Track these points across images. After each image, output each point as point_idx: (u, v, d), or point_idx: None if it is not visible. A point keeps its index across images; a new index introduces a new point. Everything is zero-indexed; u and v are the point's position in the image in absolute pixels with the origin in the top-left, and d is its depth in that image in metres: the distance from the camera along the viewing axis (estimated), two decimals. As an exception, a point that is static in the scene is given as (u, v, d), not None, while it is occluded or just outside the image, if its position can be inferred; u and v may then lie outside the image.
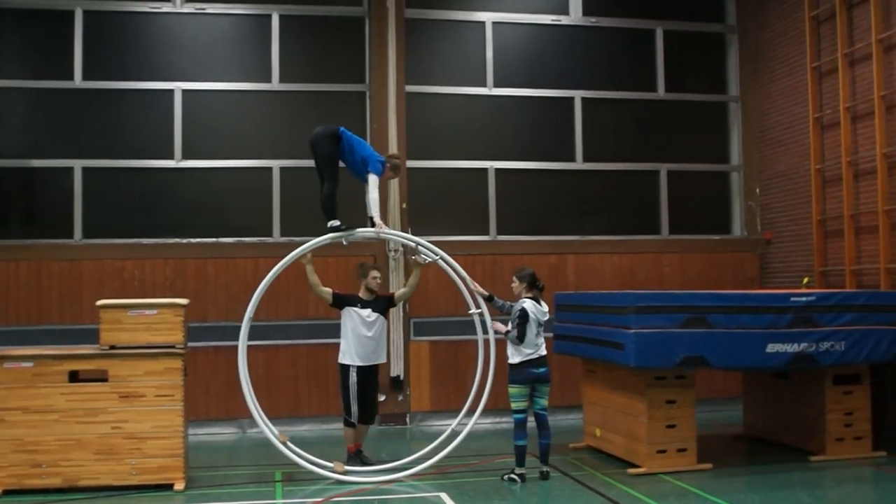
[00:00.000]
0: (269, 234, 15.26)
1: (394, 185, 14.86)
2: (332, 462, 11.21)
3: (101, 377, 10.58)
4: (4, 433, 10.39)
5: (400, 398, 15.08)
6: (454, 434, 11.45)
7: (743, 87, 17.07)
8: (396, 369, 14.97)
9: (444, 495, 10.16)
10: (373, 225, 11.24)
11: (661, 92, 16.85)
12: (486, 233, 15.96)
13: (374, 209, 11.14)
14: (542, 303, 11.03)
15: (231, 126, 15.53)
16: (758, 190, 16.81)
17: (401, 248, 14.97)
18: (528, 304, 10.84)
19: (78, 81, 14.95)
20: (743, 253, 16.72)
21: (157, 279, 14.63)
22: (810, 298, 11.48)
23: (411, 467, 11.21)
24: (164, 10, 15.31)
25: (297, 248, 11.22)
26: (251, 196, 15.39)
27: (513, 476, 10.75)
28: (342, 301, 11.70)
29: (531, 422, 10.83)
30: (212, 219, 15.18)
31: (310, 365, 14.93)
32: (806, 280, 14.89)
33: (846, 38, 14.31)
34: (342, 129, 11.27)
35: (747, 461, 12.06)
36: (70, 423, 10.44)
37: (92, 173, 14.91)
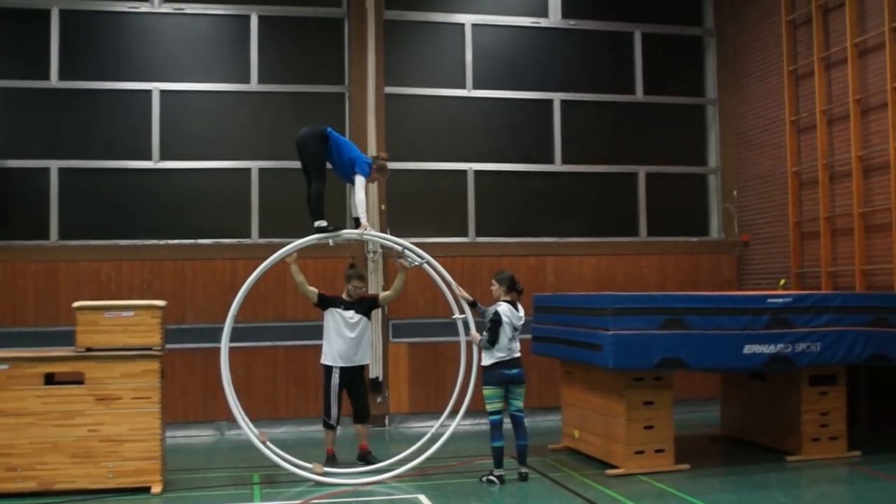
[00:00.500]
0: (248, 236, 15.22)
1: (373, 186, 14.84)
2: (311, 463, 11.20)
3: (78, 380, 10.50)
4: (-21, 436, 10.33)
5: (379, 400, 15.06)
6: (435, 436, 11.46)
7: (720, 90, 17.15)
8: (375, 371, 14.95)
9: (422, 497, 10.14)
10: (358, 226, 11.23)
11: (639, 94, 16.91)
12: (465, 234, 15.97)
13: (360, 210, 11.12)
14: (520, 306, 11.04)
15: (209, 127, 15.48)
16: (735, 192, 16.89)
17: (380, 250, 14.96)
18: (502, 307, 10.85)
19: (54, 81, 14.86)
20: (720, 255, 16.79)
21: (134, 281, 14.56)
22: (787, 300, 11.55)
23: (392, 469, 11.20)
24: (142, 9, 15.24)
25: (275, 249, 11.20)
26: (229, 197, 15.34)
27: (491, 478, 10.75)
28: (326, 302, 11.74)
29: (508, 423, 10.85)
30: (190, 220, 15.12)
31: (289, 367, 14.90)
32: (782, 282, 14.97)
33: (822, 42, 14.40)
34: (329, 129, 11.26)
35: (725, 462, 12.11)
36: (46, 426, 10.35)
37: (68, 174, 14.83)
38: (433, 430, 11.70)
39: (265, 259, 11.03)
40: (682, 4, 17.31)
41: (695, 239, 16.92)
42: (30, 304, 14.30)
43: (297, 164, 11.46)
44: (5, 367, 10.38)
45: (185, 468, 11.92)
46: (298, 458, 11.21)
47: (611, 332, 10.79)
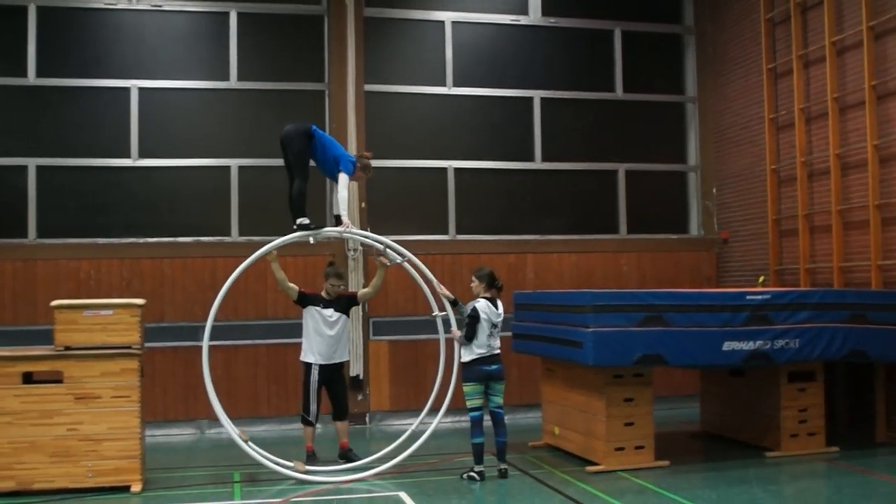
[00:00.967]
0: (228, 234, 15.17)
1: (353, 184, 14.79)
2: (292, 462, 11.18)
3: (56, 378, 10.45)
4: (-43, 436, 10.27)
5: (359, 398, 15.04)
6: (416, 434, 11.47)
7: (700, 88, 17.21)
8: (356, 369, 14.93)
9: (403, 494, 10.15)
10: (339, 223, 11.22)
11: (619, 92, 16.94)
12: (446, 232, 15.97)
13: (342, 208, 11.12)
14: (499, 303, 11.06)
15: (188, 124, 15.41)
16: (714, 190, 16.95)
17: (360, 248, 14.94)
18: (481, 304, 10.88)
19: (32, 79, 14.76)
20: (700, 252, 16.85)
21: (113, 279, 14.49)
22: (766, 297, 11.60)
23: (373, 467, 11.20)
24: (120, 6, 15.15)
25: (255, 247, 11.18)
26: (209, 195, 15.29)
27: (472, 474, 10.77)
28: (305, 300, 11.76)
29: (488, 420, 10.87)
30: (169, 218, 15.06)
31: (269, 365, 14.87)
32: (761, 279, 15.02)
33: (801, 40, 14.46)
34: (314, 126, 11.26)
35: (704, 458, 12.16)
36: (24, 426, 10.29)
37: (46, 172, 14.74)
38: (413, 427, 11.70)
39: (245, 257, 11.01)
40: (661, 2, 17.36)
41: (674, 236, 16.97)
42: (7, 302, 14.20)
43: (277, 162, 11.45)
44: (-17, 366, 10.34)
45: (165, 467, 11.88)
46: (279, 457, 11.18)
47: (591, 330, 10.82)
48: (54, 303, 10.71)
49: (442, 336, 11.73)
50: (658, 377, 12.07)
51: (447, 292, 11.36)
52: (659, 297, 11.34)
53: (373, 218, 15.23)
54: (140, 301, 10.90)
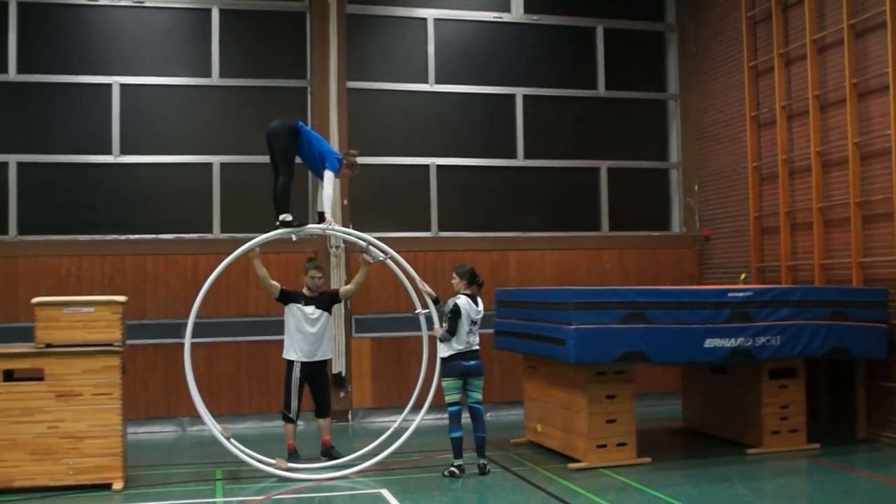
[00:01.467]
0: (210, 231, 15.13)
1: (337, 181, 14.78)
2: (274, 459, 11.17)
3: (37, 376, 10.41)
4: (-63, 433, 10.21)
5: (342, 395, 15.03)
6: (398, 431, 11.47)
7: (682, 86, 17.24)
8: (338, 366, 14.91)
9: (385, 492, 10.16)
10: (322, 220, 11.20)
11: (601, 89, 16.96)
12: (428, 229, 15.97)
13: (326, 205, 11.12)
14: (479, 300, 11.10)
15: (170, 121, 15.36)
16: (696, 187, 17.00)
17: (342, 245, 14.93)
18: (461, 300, 10.91)
19: (13, 75, 14.69)
20: (682, 249, 16.89)
21: (94, 276, 14.44)
22: (747, 294, 11.65)
23: (356, 464, 11.20)
24: (102, 2, 15.08)
25: (237, 244, 11.17)
26: (191, 192, 15.24)
27: (452, 469, 10.80)
28: (287, 297, 11.74)
29: (466, 416, 10.89)
30: (151, 215, 15.00)
31: (251, 362, 14.84)
32: (743, 276, 15.07)
33: (782, 38, 14.51)
34: (301, 123, 11.26)
35: (686, 455, 12.20)
36: (5, 423, 10.25)
37: (27, 168, 14.67)
38: (396, 425, 11.69)
39: (227, 254, 11.00)
40: (644, 0, 17.37)
41: (656, 233, 17.01)
42: (-12, 299, 14.16)
43: (259, 159, 11.46)
44: (-37, 363, 10.29)
45: (147, 464, 11.84)
46: (261, 454, 11.16)
47: (573, 327, 10.84)
48: (35, 300, 10.67)
49: (425, 333, 11.75)
50: (640, 374, 12.12)
51: (430, 290, 11.37)
52: (641, 295, 11.37)
53: (355, 215, 15.22)
54: (121, 298, 10.87)
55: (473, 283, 11.08)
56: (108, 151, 14.93)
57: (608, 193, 16.84)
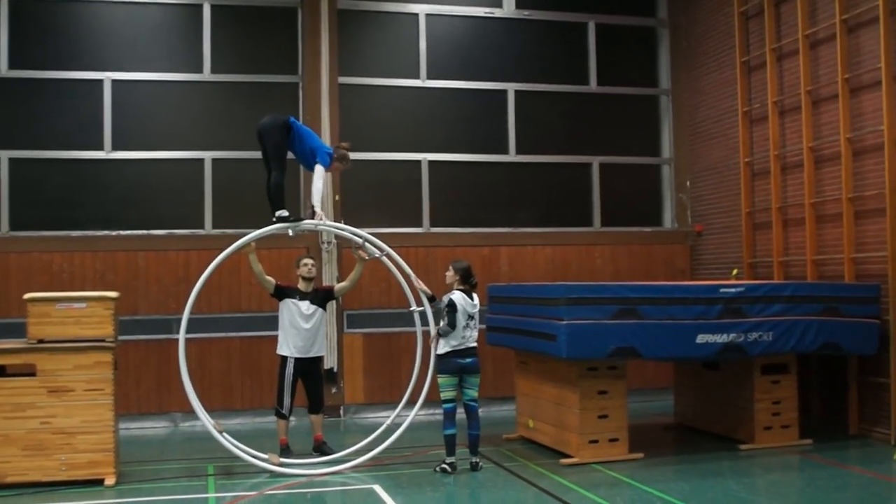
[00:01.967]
0: (201, 227, 15.10)
1: (327, 176, 14.76)
2: (266, 454, 11.16)
3: (29, 371, 10.39)
4: (-71, 429, 10.19)
5: (334, 391, 15.02)
6: (391, 427, 11.47)
7: (674, 81, 17.26)
8: (330, 362, 14.89)
9: (377, 487, 10.16)
10: (312, 214, 11.19)
11: (593, 85, 16.96)
12: (420, 225, 15.96)
13: (316, 199, 11.11)
14: (475, 295, 11.09)
15: (162, 117, 15.33)
16: (688, 183, 17.01)
17: (334, 240, 14.91)
18: (456, 295, 10.91)
19: (4, 70, 14.64)
20: (674, 245, 16.91)
21: (86, 272, 14.41)
22: (739, 290, 11.67)
23: (348, 460, 11.20)
24: (93, -2, 15.10)
25: (229, 240, 11.17)
26: (182, 188, 15.22)
27: (444, 466, 10.79)
28: (282, 293, 11.72)
29: (461, 413, 10.89)
30: (142, 211, 14.98)
31: (243, 358, 14.82)
32: (735, 271, 15.10)
33: (774, 33, 14.52)
34: (292, 118, 11.25)
35: (678, 450, 12.23)
36: (-3, 419, 10.27)
37: (19, 164, 14.63)
38: (389, 421, 11.68)
39: (218, 250, 10.99)
40: (635, -5, 17.42)
41: (648, 229, 17.02)
42: (-20, 295, 14.12)
43: (250, 155, 11.44)
44: (-45, 359, 10.27)
45: (139, 460, 11.84)
46: (253, 450, 11.16)
47: (565, 322, 10.85)
48: (27, 296, 10.64)
49: (419, 329, 11.75)
50: (632, 370, 12.13)
51: (425, 287, 11.38)
52: (633, 290, 11.37)
53: (347, 211, 15.20)
54: (113, 294, 10.86)
55: (467, 281, 11.06)
56: (100, 147, 14.89)
57: (600, 189, 16.85)
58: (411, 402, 11.54)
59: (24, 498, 9.96)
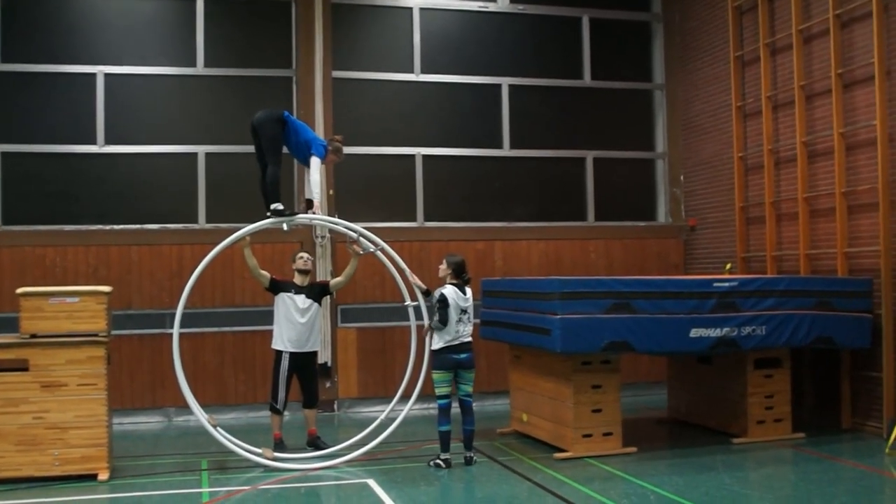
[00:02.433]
0: (195, 221, 15.08)
1: (323, 170, 14.75)
2: (260, 449, 11.16)
3: (22, 366, 10.36)
4: (-79, 424, 10.16)
5: (328, 385, 15.01)
6: (385, 422, 11.48)
7: (668, 76, 17.26)
8: (324, 356, 14.87)
9: (371, 482, 10.17)
10: (309, 207, 11.18)
11: (587, 79, 16.96)
12: (414, 219, 15.95)
13: (314, 191, 11.12)
14: (468, 289, 11.08)
15: (155, 111, 15.29)
16: (682, 177, 17.02)
17: (328, 235, 14.90)
18: (448, 290, 10.90)
19: (-3, 64, 14.66)
20: (667, 239, 16.92)
21: (79, 267, 14.37)
22: (733, 284, 11.67)
23: (341, 454, 11.20)
24: (86, -8, 15.05)
25: (222, 234, 11.15)
26: (176, 182, 15.19)
27: (438, 462, 10.80)
28: (277, 287, 11.71)
29: (456, 408, 10.90)
30: (136, 205, 14.95)
31: (236, 352, 14.80)
32: (728, 266, 15.11)
33: (768, 28, 14.52)
34: (286, 113, 11.26)
35: (671, 444, 12.25)
36: (-10, 414, 10.25)
37: (11, 158, 14.59)
38: (383, 416, 11.68)
39: (212, 244, 10.98)
40: (629, -10, 17.41)
41: (642, 223, 17.03)
42: (-28, 290, 14.08)
43: (244, 149, 11.42)
44: (-52, 354, 10.25)
45: (133, 455, 11.83)
46: (247, 444, 11.15)
47: (559, 317, 10.85)
48: (20, 290, 10.62)
49: (413, 324, 11.73)
50: (626, 364, 12.16)
51: (419, 282, 11.38)
52: (627, 285, 11.38)
53: (341, 205, 15.19)
54: (106, 288, 10.84)
55: (459, 276, 11.05)
56: (93, 141, 14.86)
57: (594, 183, 16.85)
58: (405, 397, 11.56)
59: (18, 493, 9.95)
